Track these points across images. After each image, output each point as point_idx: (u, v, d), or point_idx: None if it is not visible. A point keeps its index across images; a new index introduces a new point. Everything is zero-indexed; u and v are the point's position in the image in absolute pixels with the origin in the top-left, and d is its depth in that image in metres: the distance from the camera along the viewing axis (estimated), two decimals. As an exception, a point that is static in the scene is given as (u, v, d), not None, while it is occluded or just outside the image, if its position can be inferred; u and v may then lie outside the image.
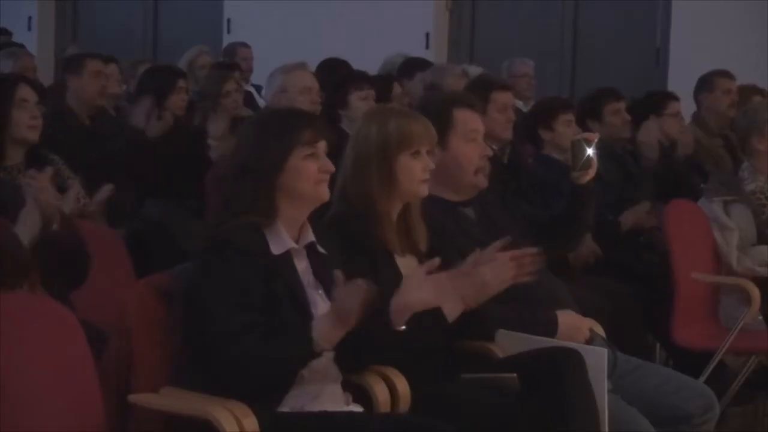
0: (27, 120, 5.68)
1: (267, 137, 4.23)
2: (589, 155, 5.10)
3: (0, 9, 13.20)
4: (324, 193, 4.21)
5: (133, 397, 4.06)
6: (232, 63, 9.38)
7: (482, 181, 4.89)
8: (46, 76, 10.06)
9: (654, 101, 7.88)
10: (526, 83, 9.88)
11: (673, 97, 7.94)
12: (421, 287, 4.11)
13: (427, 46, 11.94)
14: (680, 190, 6.99)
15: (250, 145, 4.27)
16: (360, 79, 8.03)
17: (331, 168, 4.22)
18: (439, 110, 4.77)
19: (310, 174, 4.16)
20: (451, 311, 4.35)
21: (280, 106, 5.44)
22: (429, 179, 4.58)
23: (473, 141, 4.94)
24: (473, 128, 4.94)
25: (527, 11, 12.33)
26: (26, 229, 4.42)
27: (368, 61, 9.52)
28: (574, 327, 4.68)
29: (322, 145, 4.19)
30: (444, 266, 4.30)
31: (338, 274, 3.96)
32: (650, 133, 7.48)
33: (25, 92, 5.77)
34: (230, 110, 7.85)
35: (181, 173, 6.89)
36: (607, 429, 4.39)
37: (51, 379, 3.97)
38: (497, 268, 4.38)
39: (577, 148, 5.19)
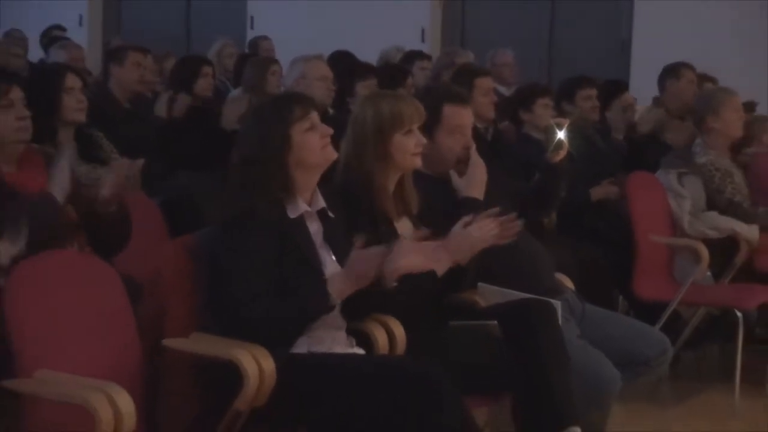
0: (74, 104, 5.69)
1: (266, 124, 4.24)
2: (560, 138, 5.11)
3: (54, 7, 13.22)
4: (331, 154, 4.24)
5: (166, 341, 4.07)
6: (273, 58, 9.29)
7: (461, 171, 4.86)
8: (95, 65, 10.01)
9: (609, 89, 7.88)
10: (508, 71, 9.82)
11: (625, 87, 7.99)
12: (410, 254, 4.11)
13: (422, 40, 11.91)
14: (642, 164, 6.98)
15: (255, 135, 4.29)
16: (364, 69, 8.05)
17: (330, 131, 4.23)
18: (429, 105, 4.75)
19: (314, 144, 4.17)
20: (439, 269, 4.37)
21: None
22: (421, 153, 4.60)
23: (458, 134, 4.91)
24: (459, 123, 4.91)
25: (510, 8, 12.29)
26: (57, 187, 4.42)
27: (372, 53, 9.51)
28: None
29: (314, 116, 4.21)
30: (433, 230, 4.35)
31: (359, 240, 4.04)
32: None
33: (72, 80, 5.77)
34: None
35: (206, 148, 6.88)
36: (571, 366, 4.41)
37: (95, 325, 4.02)
38: (483, 228, 4.43)
39: (550, 132, 5.22)
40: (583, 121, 7.29)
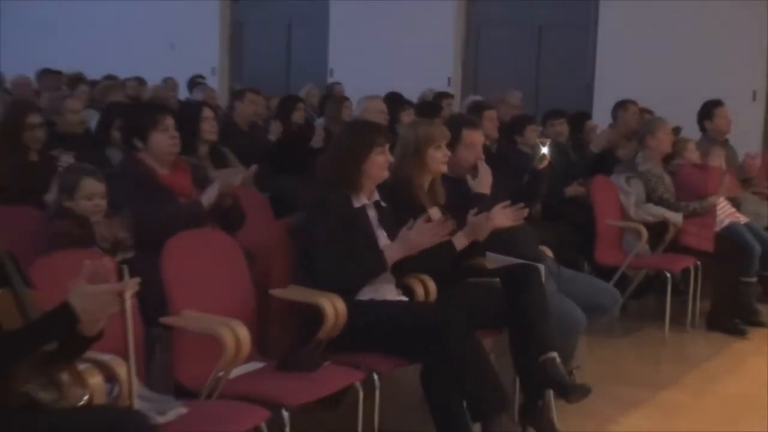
0: (209, 128, 5.71)
1: (356, 139, 4.27)
2: (543, 153, 5.10)
3: (200, 60, 13.23)
4: (386, 175, 4.28)
5: (272, 291, 4.10)
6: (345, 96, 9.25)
7: (474, 175, 4.82)
8: (223, 102, 10.07)
9: (578, 118, 7.82)
10: (517, 103, 9.76)
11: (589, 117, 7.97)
12: (430, 235, 4.14)
13: (448, 84, 11.89)
14: (602, 171, 6.95)
15: (346, 143, 4.31)
16: (408, 105, 8.07)
17: (392, 160, 4.28)
18: (452, 129, 4.74)
19: (381, 165, 4.23)
20: (458, 244, 4.37)
21: (364, 120, 5.43)
22: (446, 162, 4.60)
23: (472, 149, 4.89)
24: (472, 141, 4.88)
25: (508, 62, 12.23)
26: (206, 196, 4.45)
27: (413, 93, 9.52)
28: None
29: (387, 146, 4.24)
30: (455, 217, 4.35)
31: (420, 221, 4.11)
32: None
33: (207, 112, 5.80)
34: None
35: (298, 160, 6.91)
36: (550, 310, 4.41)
37: (223, 279, 4.06)
38: (503, 214, 4.43)
39: (536, 148, 5.20)
40: (561, 141, 7.30)
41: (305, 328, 3.97)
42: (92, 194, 4.11)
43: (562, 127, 7.65)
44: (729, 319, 6.46)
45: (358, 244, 4.15)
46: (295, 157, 7.03)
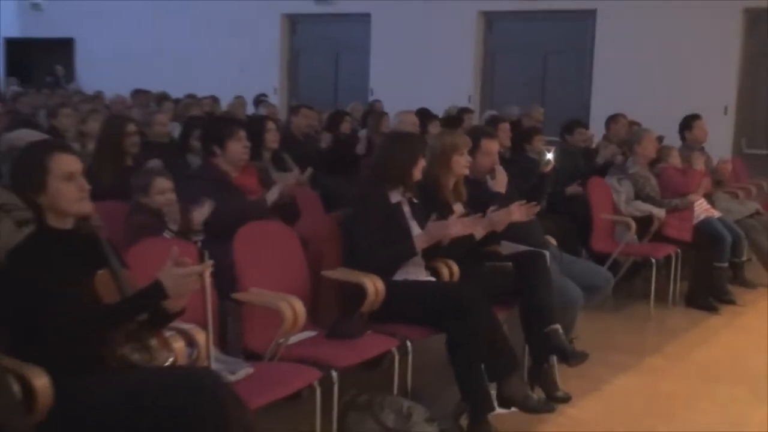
0: (272, 138, 5.73)
1: (405, 147, 4.29)
2: (548, 158, 5.05)
3: (264, 82, 13.30)
4: (420, 176, 4.29)
5: (323, 272, 4.11)
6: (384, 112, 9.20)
7: (492, 176, 4.78)
8: (283, 117, 10.07)
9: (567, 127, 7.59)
10: (538, 116, 9.62)
11: (584, 125, 7.75)
12: (456, 227, 4.14)
13: (469, 101, 11.85)
14: (599, 173, 6.89)
15: (394, 150, 4.30)
16: (435, 118, 8.03)
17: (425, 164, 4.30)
18: (473, 139, 4.71)
19: (420, 168, 4.25)
20: (477, 234, 4.35)
21: (410, 132, 5.39)
22: (468, 166, 4.58)
23: (489, 155, 4.86)
24: (490, 149, 4.85)
25: (519, 82, 12.15)
26: (269, 195, 4.46)
27: (440, 108, 9.48)
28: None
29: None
30: (474, 211, 4.33)
31: (452, 216, 4.17)
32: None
33: (270, 125, 5.82)
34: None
35: (346, 163, 6.92)
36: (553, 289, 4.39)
37: (283, 261, 4.07)
38: (519, 210, 4.40)
39: (542, 155, 5.15)
40: (572, 147, 7.20)
41: (350, 303, 3.96)
42: (164, 189, 4.12)
43: (584, 136, 7.54)
44: (704, 297, 6.40)
45: (394, 234, 4.13)
46: (342, 161, 7.04)
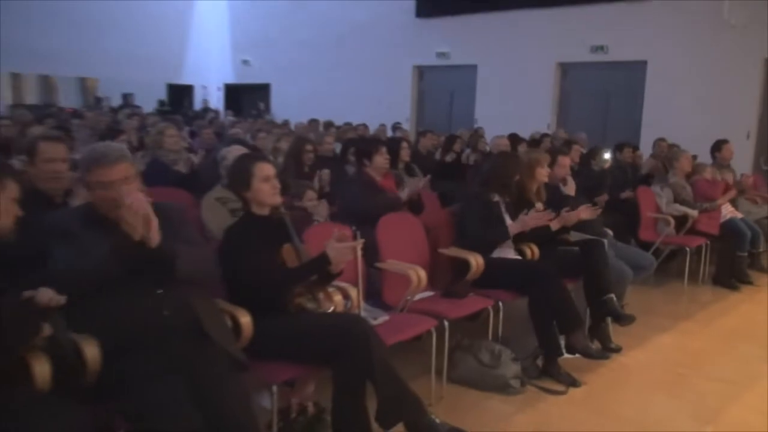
0: (405, 154, 5.59)
1: (503, 163, 4.19)
2: (606, 157, 4.88)
3: (398, 114, 13.18)
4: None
5: (439, 250, 4.06)
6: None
7: (564, 183, 4.62)
8: (413, 138, 9.85)
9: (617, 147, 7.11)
10: (583, 142, 9.15)
11: (631, 146, 7.25)
12: (532, 220, 4.01)
13: (548, 127, 11.45)
14: (646, 183, 6.54)
15: (498, 165, 4.20)
16: (522, 140, 7.61)
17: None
18: (552, 155, 4.57)
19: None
20: (554, 226, 4.20)
21: (508, 152, 5.17)
22: (547, 175, 4.44)
23: (562, 167, 4.72)
24: (563, 164, 4.71)
25: (586, 107, 11.58)
26: (403, 194, 4.41)
27: (525, 132, 9.10)
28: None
29: None
30: (551, 209, 4.16)
31: (533, 210, 4.02)
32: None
33: (404, 144, 5.66)
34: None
35: (456, 171, 6.76)
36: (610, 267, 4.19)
37: (411, 241, 4.03)
38: (586, 211, 4.25)
39: (601, 155, 4.93)
40: (622, 162, 6.85)
41: (459, 273, 3.91)
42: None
43: (631, 154, 7.20)
44: (728, 278, 5.99)
45: (493, 223, 4.06)
46: (454, 170, 6.96)
